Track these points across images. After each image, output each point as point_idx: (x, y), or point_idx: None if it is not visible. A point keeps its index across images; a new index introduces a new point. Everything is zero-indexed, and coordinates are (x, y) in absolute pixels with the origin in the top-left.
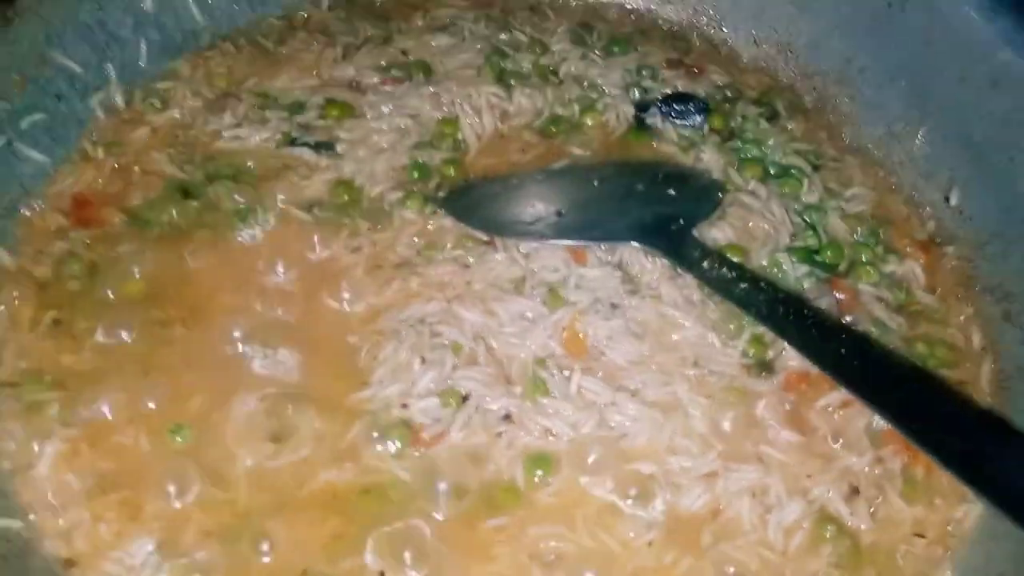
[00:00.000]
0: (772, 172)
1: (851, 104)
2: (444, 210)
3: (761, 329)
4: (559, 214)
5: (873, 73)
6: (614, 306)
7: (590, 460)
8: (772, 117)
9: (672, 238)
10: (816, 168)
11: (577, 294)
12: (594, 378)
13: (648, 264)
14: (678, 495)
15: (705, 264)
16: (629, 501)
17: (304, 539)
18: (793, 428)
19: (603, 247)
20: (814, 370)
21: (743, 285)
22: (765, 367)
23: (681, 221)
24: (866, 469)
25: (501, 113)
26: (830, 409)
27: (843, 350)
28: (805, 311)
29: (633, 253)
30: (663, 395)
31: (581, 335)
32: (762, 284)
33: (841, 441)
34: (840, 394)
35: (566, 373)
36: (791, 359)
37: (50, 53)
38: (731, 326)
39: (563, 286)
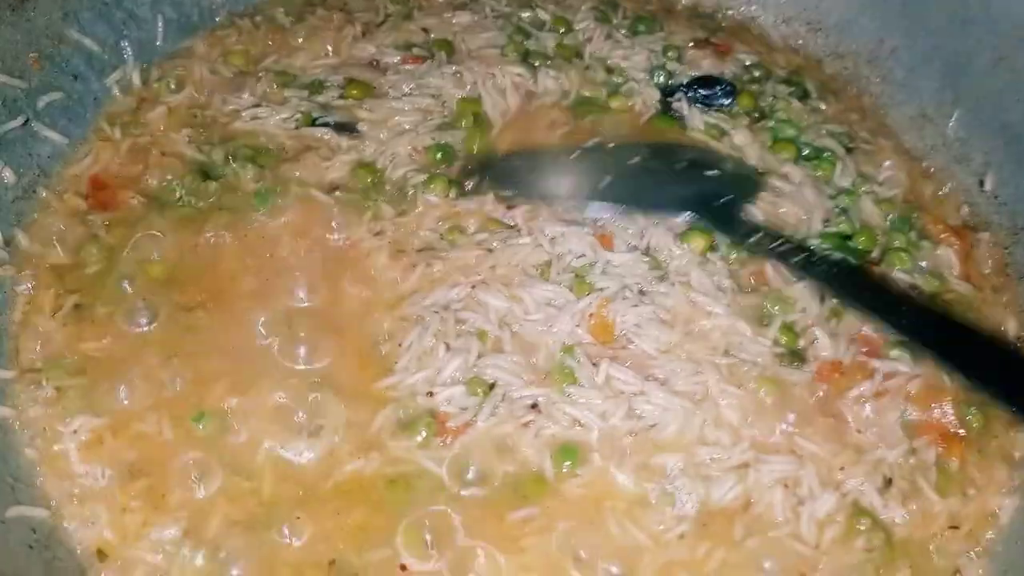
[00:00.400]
0: (805, 154)
1: (883, 85)
2: (484, 182)
3: (792, 318)
4: (603, 184)
5: (906, 54)
6: (642, 293)
7: (619, 451)
8: (802, 97)
9: (722, 212)
10: (849, 151)
11: (604, 280)
12: (623, 367)
13: (676, 250)
14: (709, 487)
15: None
16: (659, 493)
17: (330, 529)
18: (826, 419)
19: (630, 231)
20: (847, 360)
21: (799, 256)
22: (797, 356)
23: (728, 197)
24: (899, 460)
25: (526, 93)
26: (863, 400)
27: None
28: (865, 278)
29: (662, 238)
30: (693, 385)
31: (609, 322)
32: (815, 253)
33: (874, 432)
34: (873, 384)
35: (594, 362)
36: (823, 349)
37: (66, 31)
38: (761, 314)
39: (590, 272)
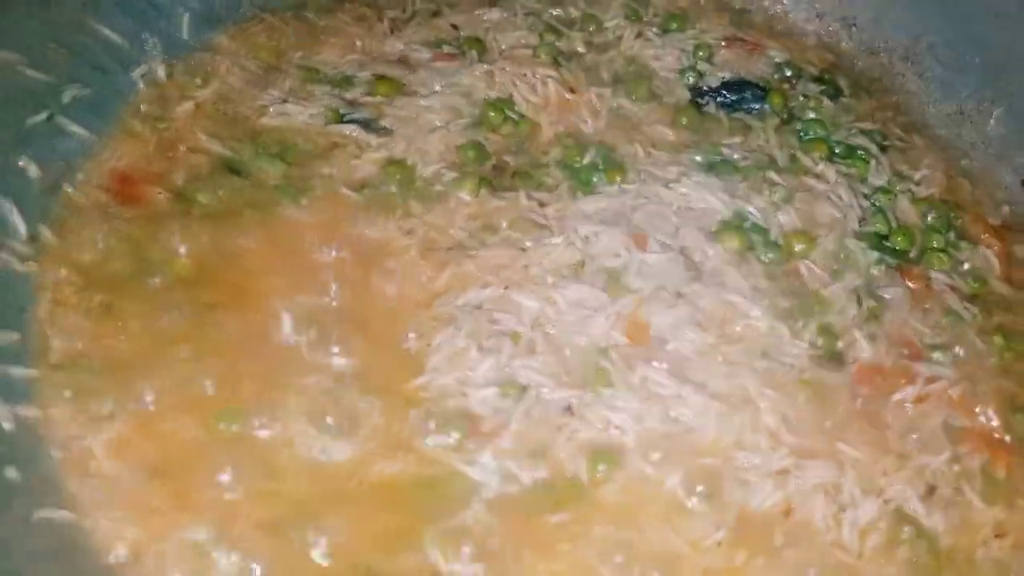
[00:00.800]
0: (838, 152)
1: (919, 82)
2: None
3: (829, 319)
4: None
5: (943, 49)
6: (679, 294)
7: (655, 455)
8: (834, 95)
9: None
10: (883, 149)
11: (639, 281)
12: (659, 369)
13: (711, 250)
14: (748, 493)
15: None
16: (696, 499)
17: (361, 534)
18: (866, 423)
19: (664, 229)
20: (887, 363)
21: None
22: (835, 358)
23: None
24: (943, 467)
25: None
26: (905, 404)
27: None
28: None
29: (695, 238)
30: (731, 388)
31: (644, 324)
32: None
33: (916, 437)
34: (915, 388)
35: (629, 364)
36: (862, 351)
37: (90, 23)
38: (798, 314)
39: (624, 272)
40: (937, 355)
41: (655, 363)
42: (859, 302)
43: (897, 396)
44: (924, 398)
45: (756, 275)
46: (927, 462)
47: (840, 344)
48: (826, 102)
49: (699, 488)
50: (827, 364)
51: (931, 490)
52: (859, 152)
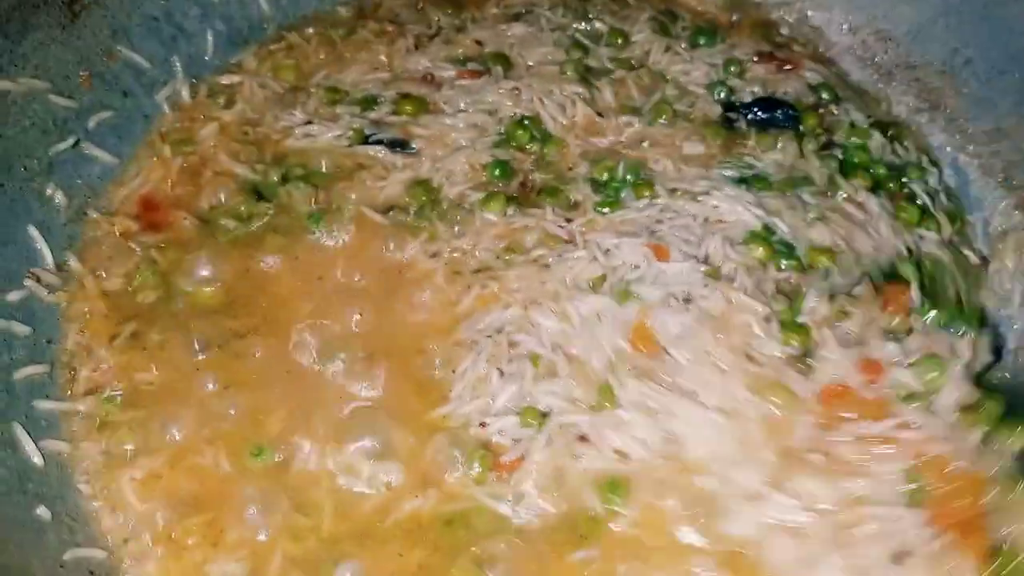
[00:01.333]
0: (880, 183)
1: (956, 98)
2: None
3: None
4: None
5: (982, 65)
6: (688, 300)
7: (660, 485)
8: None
9: None
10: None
11: (651, 288)
12: (658, 383)
13: (733, 253)
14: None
15: None
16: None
17: (391, 571)
18: (827, 453)
19: (688, 240)
20: (854, 384)
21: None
22: (804, 362)
23: None
24: (916, 534)
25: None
26: (867, 440)
27: None
28: None
29: (719, 246)
30: (721, 397)
31: (650, 331)
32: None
33: (874, 482)
34: (878, 425)
35: (636, 375)
36: (832, 353)
37: (116, 47)
38: (780, 309)
39: (638, 282)
40: (913, 403)
41: (656, 375)
42: (831, 299)
43: (859, 429)
44: (889, 440)
45: (769, 280)
46: (894, 518)
47: (815, 337)
48: (861, 121)
49: (703, 513)
50: (798, 366)
51: (899, 557)
52: (904, 188)
